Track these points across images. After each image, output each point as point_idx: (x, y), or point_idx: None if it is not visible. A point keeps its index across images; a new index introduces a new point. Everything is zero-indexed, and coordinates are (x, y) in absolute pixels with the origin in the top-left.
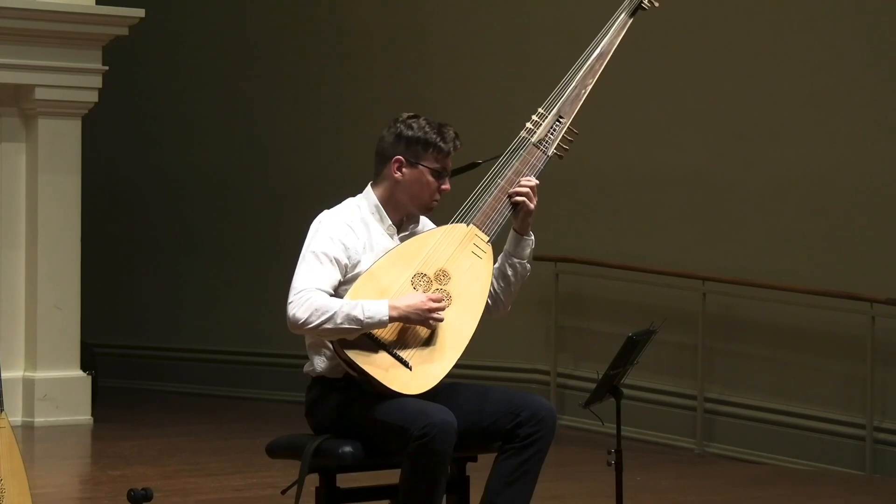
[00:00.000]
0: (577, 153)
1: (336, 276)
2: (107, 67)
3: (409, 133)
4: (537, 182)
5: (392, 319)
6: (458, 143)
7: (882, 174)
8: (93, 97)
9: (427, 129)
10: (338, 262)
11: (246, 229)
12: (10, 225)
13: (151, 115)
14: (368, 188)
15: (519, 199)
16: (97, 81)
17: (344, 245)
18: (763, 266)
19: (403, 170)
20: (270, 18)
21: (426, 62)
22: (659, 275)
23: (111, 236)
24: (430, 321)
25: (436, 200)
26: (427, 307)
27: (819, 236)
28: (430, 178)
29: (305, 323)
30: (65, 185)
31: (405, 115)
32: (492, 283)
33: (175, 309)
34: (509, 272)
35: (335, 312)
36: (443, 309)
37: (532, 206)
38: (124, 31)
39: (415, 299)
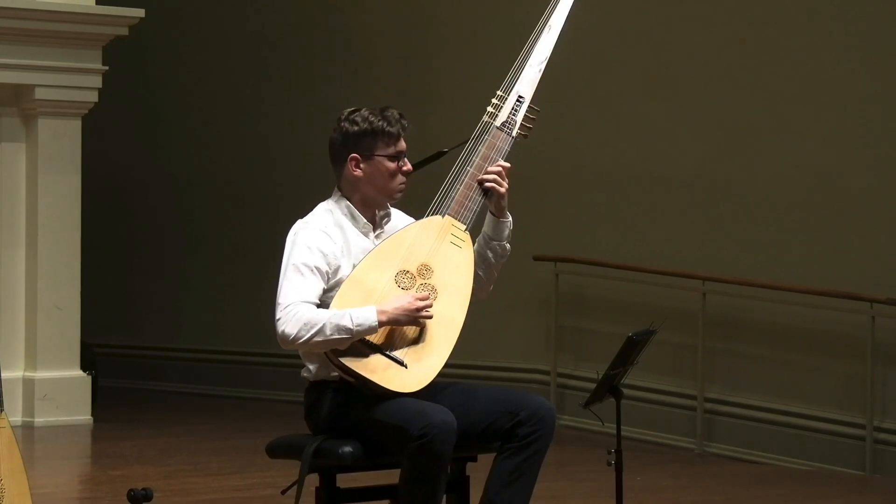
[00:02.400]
0: (577, 153)
1: (320, 286)
2: (107, 67)
3: (355, 129)
4: (507, 164)
5: (381, 324)
6: (404, 122)
7: (882, 174)
8: (93, 97)
9: (371, 119)
10: (319, 270)
11: (247, 229)
12: (10, 225)
13: (154, 115)
14: (336, 192)
15: (489, 184)
16: (97, 81)
17: (322, 252)
18: (763, 266)
19: (361, 166)
20: (274, 18)
21: (431, 62)
22: (659, 275)
23: (112, 236)
24: (420, 320)
25: (402, 184)
26: (415, 307)
27: (819, 236)
28: (389, 165)
29: (296, 338)
30: (65, 185)
31: (346, 111)
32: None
33: (175, 309)
34: (489, 255)
35: (324, 324)
36: (430, 306)
37: (503, 189)
38: (124, 31)
39: (401, 301)
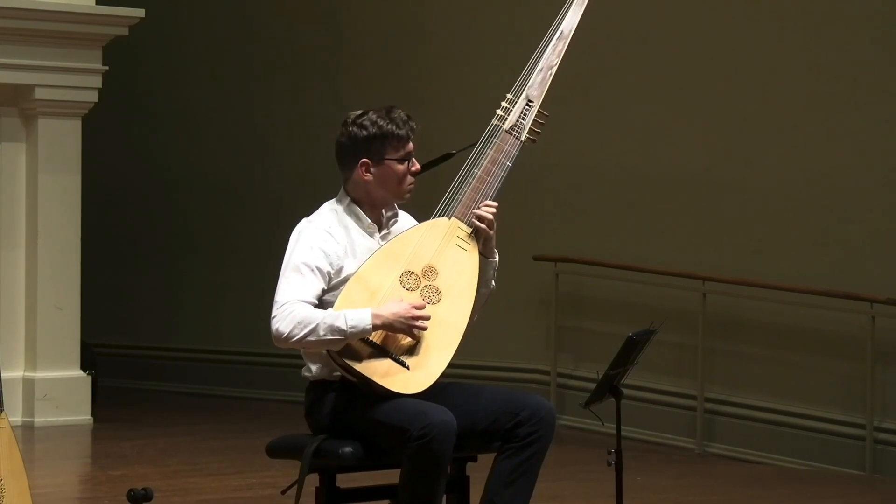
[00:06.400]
0: (578, 153)
1: (319, 286)
2: (107, 67)
3: (364, 133)
4: (496, 205)
5: (376, 328)
6: (412, 123)
7: (882, 174)
8: (93, 97)
9: (380, 123)
10: (320, 270)
11: (245, 229)
12: (10, 225)
13: (151, 115)
14: (342, 191)
15: (481, 225)
16: (97, 81)
17: (324, 252)
18: (763, 266)
19: (371, 170)
20: (269, 18)
21: (425, 60)
22: (659, 275)
23: (111, 236)
24: (414, 329)
25: (411, 185)
26: (410, 315)
27: (819, 236)
28: (399, 168)
29: (289, 336)
30: (65, 185)
31: (353, 115)
32: None
33: (175, 309)
34: None
35: (318, 324)
36: (426, 318)
37: (492, 232)
38: (124, 31)
39: (398, 307)
